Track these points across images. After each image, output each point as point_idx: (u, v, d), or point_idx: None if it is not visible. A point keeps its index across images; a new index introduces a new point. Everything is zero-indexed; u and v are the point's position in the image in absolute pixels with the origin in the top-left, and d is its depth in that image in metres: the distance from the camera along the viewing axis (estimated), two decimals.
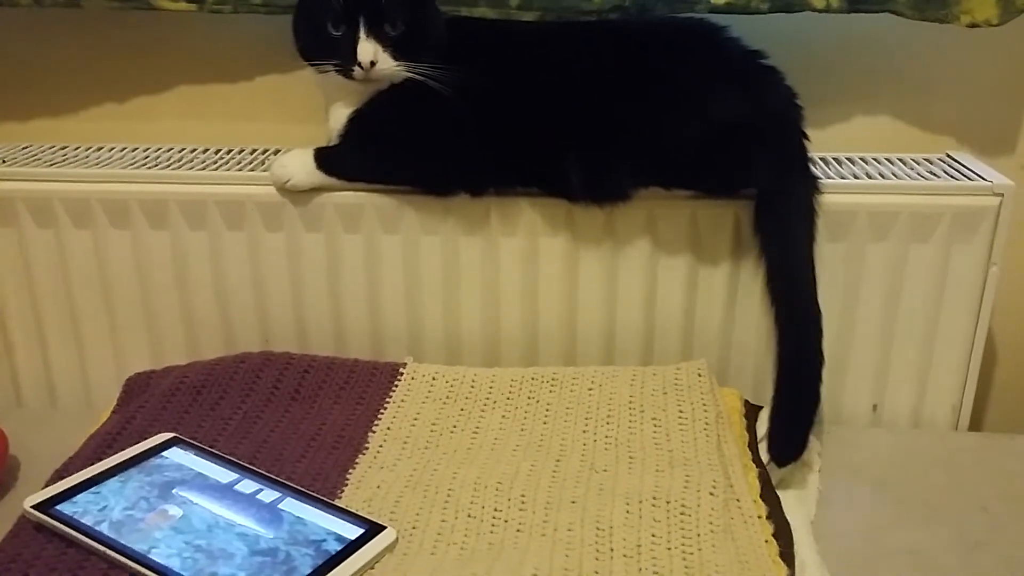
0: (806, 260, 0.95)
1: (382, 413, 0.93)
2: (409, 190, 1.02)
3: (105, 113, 1.19)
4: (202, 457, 0.84)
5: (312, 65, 0.98)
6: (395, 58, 0.95)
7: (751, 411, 0.96)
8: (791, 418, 0.92)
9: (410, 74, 0.95)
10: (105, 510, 0.76)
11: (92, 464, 0.83)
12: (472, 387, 0.97)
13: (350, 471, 0.85)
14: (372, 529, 0.75)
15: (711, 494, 0.78)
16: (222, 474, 0.82)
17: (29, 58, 1.17)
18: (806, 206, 0.96)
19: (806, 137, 0.99)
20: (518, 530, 0.76)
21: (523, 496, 0.80)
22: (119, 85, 1.18)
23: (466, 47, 0.99)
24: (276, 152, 1.12)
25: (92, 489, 0.79)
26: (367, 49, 0.94)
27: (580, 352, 1.07)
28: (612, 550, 0.73)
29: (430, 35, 0.97)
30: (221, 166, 1.08)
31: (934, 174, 1.03)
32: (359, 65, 0.94)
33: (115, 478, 0.81)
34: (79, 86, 1.18)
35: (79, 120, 1.19)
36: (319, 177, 1.01)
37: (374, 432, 0.90)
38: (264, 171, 1.04)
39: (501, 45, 1.01)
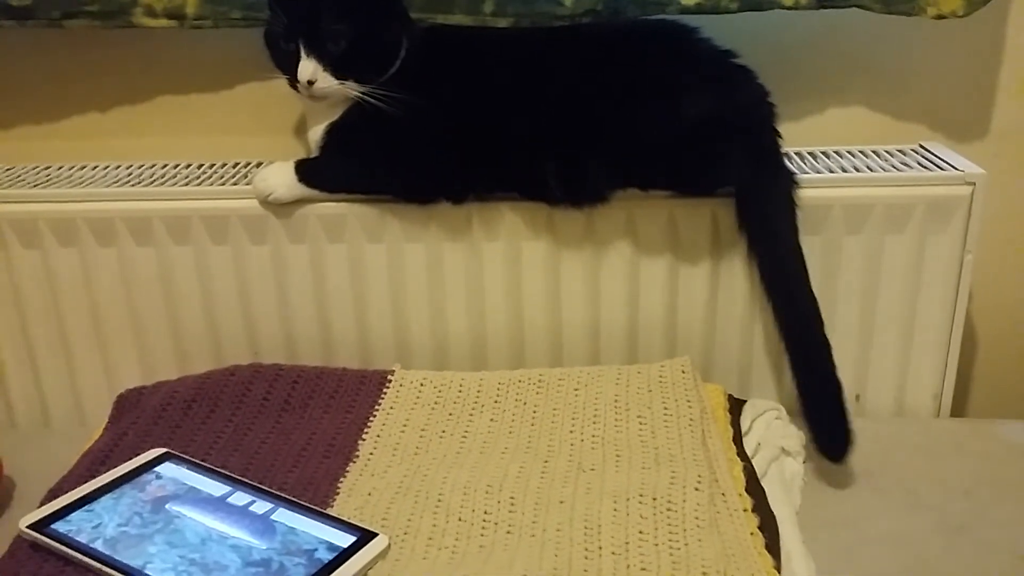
0: (795, 251, 0.96)
1: (371, 421, 0.94)
2: (391, 199, 1.03)
3: (88, 132, 1.19)
4: (194, 471, 0.85)
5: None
6: (336, 76, 0.96)
7: (735, 406, 0.97)
8: (823, 413, 0.93)
9: (355, 94, 0.96)
10: (99, 527, 0.77)
11: (85, 482, 0.84)
12: (460, 391, 0.98)
13: (341, 479, 0.86)
14: (364, 536, 0.76)
15: (696, 489, 0.80)
16: (214, 487, 0.83)
17: (10, 78, 1.17)
18: (786, 200, 0.97)
19: (779, 135, 1.00)
20: (508, 532, 0.77)
21: (512, 498, 0.81)
22: (101, 103, 1.18)
23: (439, 55, 1.00)
24: (258, 165, 1.13)
25: (86, 507, 0.80)
26: (306, 67, 0.95)
27: (566, 353, 1.08)
28: (600, 548, 0.74)
29: (380, 54, 0.98)
30: (204, 181, 1.08)
31: (907, 165, 1.04)
32: (299, 82, 0.96)
33: (108, 495, 0.82)
34: (61, 106, 1.18)
35: (62, 139, 1.19)
36: (301, 189, 1.02)
37: (364, 440, 0.91)
38: (247, 185, 1.05)
39: (475, 52, 1.01)
